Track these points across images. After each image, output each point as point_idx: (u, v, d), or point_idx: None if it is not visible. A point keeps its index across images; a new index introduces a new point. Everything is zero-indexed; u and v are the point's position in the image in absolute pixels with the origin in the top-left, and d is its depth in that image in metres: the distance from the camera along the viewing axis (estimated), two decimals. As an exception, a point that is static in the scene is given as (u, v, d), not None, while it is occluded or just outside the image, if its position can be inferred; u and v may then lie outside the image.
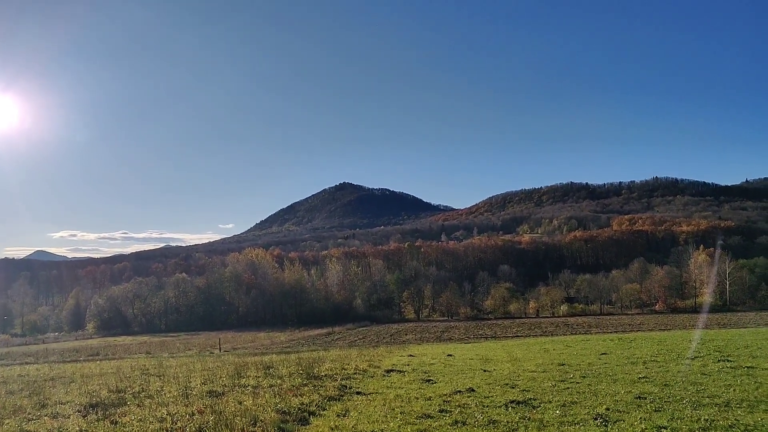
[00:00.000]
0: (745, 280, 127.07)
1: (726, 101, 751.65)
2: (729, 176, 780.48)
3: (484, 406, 12.88)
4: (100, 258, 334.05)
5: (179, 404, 13.47)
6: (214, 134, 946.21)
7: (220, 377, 18.88)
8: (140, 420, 11.84)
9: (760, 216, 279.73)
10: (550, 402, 13.04)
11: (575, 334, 58.32)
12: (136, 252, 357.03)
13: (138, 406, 13.60)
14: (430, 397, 14.16)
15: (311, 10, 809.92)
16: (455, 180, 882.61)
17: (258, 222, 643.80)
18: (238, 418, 11.43)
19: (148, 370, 24.12)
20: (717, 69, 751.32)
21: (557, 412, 11.98)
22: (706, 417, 11.02)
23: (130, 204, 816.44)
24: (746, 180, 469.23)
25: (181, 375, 20.46)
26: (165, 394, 15.28)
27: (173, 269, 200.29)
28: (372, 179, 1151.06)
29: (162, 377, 20.05)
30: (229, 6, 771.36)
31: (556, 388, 15.09)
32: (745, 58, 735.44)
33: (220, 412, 11.99)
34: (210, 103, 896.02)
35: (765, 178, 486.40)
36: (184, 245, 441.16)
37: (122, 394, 15.42)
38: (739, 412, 11.44)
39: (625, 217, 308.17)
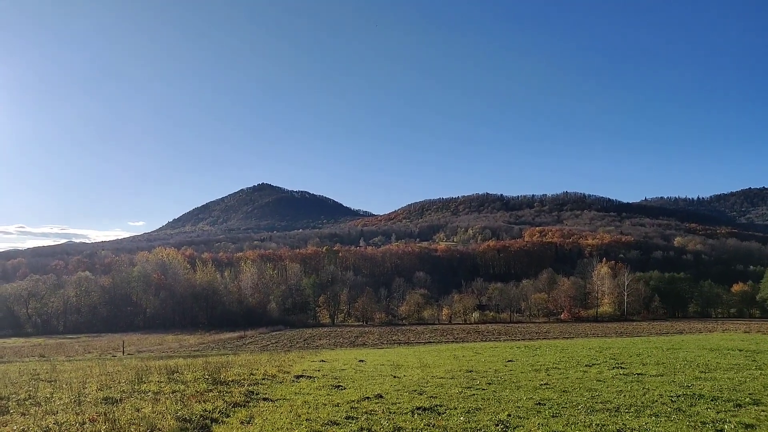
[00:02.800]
0: (641, 292, 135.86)
1: (629, 126, 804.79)
2: (630, 194, 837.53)
3: (390, 412, 12.93)
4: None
5: (69, 412, 12.60)
6: (126, 126, 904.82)
7: (119, 382, 17.92)
8: (23, 430, 10.98)
9: (655, 232, 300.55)
10: (456, 408, 13.28)
11: (485, 341, 59.92)
12: (34, 248, 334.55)
13: (22, 414, 12.60)
14: (338, 403, 14.07)
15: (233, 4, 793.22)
16: (375, 186, 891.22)
17: (170, 220, 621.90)
18: (134, 426, 10.87)
19: (38, 374, 22.47)
20: (619, 99, 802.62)
21: (461, 418, 12.22)
22: (598, 422, 11.63)
23: (28, 196, 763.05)
24: (645, 198, 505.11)
25: (75, 380, 19.20)
26: (55, 401, 14.26)
27: (75, 267, 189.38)
28: (292, 181, 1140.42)
29: (54, 383, 18.71)
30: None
31: (462, 394, 15.40)
32: (645, 92, 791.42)
33: (115, 420, 11.34)
34: (122, 93, 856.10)
35: (661, 198, 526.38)
36: (88, 242, 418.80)
37: (5, 402, 14.21)
38: (627, 417, 12.14)
39: (537, 228, 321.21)
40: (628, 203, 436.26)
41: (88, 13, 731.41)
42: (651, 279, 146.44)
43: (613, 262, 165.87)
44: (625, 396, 14.65)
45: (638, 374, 19.14)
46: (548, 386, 16.65)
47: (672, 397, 14.40)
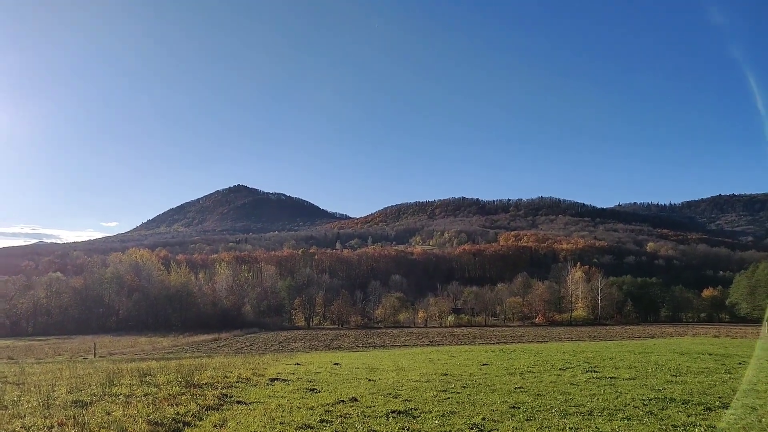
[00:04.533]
0: (614, 296, 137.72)
1: (604, 133, 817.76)
2: (604, 200, 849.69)
3: (365, 416, 12.93)
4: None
5: (38, 416, 12.32)
6: (99, 125, 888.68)
7: (90, 385, 17.59)
8: (-12, 434, 10.77)
9: (628, 237, 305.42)
10: (431, 412, 13.33)
11: (460, 344, 60.20)
12: (4, 248, 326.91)
13: (-12, 418, 12.31)
14: (313, 407, 14.01)
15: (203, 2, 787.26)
16: (352, 189, 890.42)
17: (144, 221, 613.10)
18: (104, 430, 10.70)
19: (6, 377, 21.94)
20: (593, 104, 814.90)
21: (436, 422, 12.27)
22: (571, 425, 11.78)
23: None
24: (618, 204, 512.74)
25: (44, 383, 18.79)
26: (23, 404, 13.92)
27: (46, 268, 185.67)
28: (268, 183, 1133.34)
29: (22, 386, 18.27)
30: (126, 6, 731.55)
31: (437, 398, 15.46)
32: (618, 97, 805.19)
33: (84, 424, 11.15)
34: (97, 88, 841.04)
35: (634, 203, 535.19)
36: (60, 243, 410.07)
37: (-29, 406, 13.91)
38: (600, 420, 12.31)
39: (512, 233, 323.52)
40: (602, 208, 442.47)
41: (62, 9, 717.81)
42: (624, 284, 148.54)
43: (587, 266, 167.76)
44: (598, 399, 14.86)
45: (611, 378, 19.44)
46: (523, 390, 16.81)
47: (644, 400, 14.65)
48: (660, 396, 15.26)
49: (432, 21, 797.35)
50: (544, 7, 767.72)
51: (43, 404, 13.80)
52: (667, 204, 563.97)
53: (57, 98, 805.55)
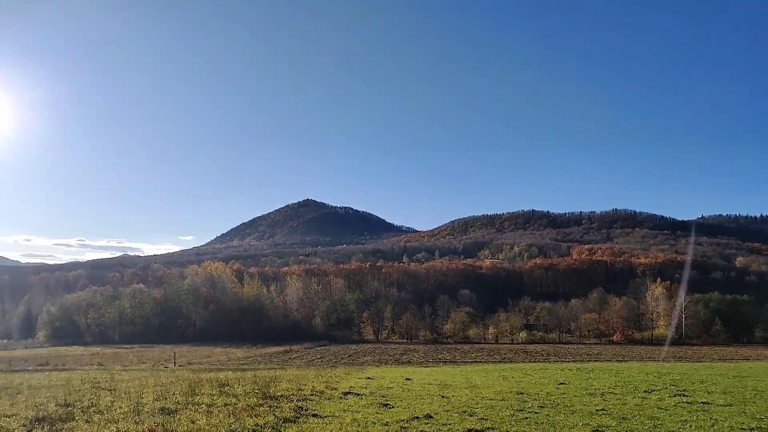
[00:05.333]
0: (700, 314, 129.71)
1: (684, 140, 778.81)
2: (685, 212, 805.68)
3: (442, 433, 12.75)
4: (55, 265, 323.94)
5: (129, 421, 12.93)
6: (175, 144, 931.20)
7: (174, 394, 18.27)
8: (87, 438, 11.34)
9: (714, 251, 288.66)
10: (509, 432, 13.00)
11: (534, 361, 58.72)
12: (93, 260, 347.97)
13: (86, 422, 13.00)
14: (387, 422, 13.95)
15: (278, 23, 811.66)
16: (419, 202, 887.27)
17: (219, 235, 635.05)
18: (190, 438, 11.03)
19: (99, 383, 23.20)
20: (674, 110, 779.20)
21: (516, 442, 11.94)
22: (663, 453, 11.10)
23: (88, 211, 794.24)
24: (702, 216, 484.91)
25: (133, 390, 19.73)
26: (115, 409, 14.66)
27: (130, 279, 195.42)
28: (336, 197, 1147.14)
29: (113, 391, 19.27)
30: (191, 13, 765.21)
31: (514, 417, 15.07)
32: (702, 104, 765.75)
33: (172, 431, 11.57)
34: (173, 111, 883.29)
35: (719, 215, 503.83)
36: (142, 255, 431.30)
37: (71, 409, 14.72)
38: (695, 449, 11.56)
39: (585, 246, 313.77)
40: (683, 221, 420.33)
41: (148, 32, 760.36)
42: (711, 301, 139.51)
43: (668, 282, 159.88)
44: (691, 427, 13.95)
45: (703, 403, 18.27)
46: (605, 412, 16.09)
47: (744, 430, 13.62)
48: (763, 426, 14.09)
49: (496, 27, 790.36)
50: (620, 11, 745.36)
51: (133, 410, 14.47)
52: (758, 216, 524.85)
53: (139, 123, 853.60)
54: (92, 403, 15.94)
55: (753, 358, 69.52)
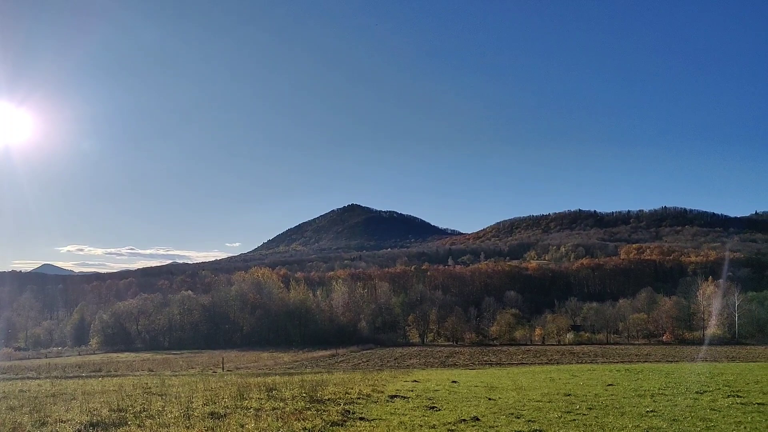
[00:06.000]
0: (755, 313, 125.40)
1: (735, 133, 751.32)
2: (737, 208, 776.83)
3: (489, 436, 12.70)
4: (107, 273, 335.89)
5: (180, 425, 13.29)
6: (223, 152, 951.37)
7: (223, 398, 18.68)
8: (141, 441, 11.72)
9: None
10: (557, 434, 12.85)
11: (581, 363, 57.63)
12: (143, 268, 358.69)
13: (139, 426, 13.42)
14: (434, 425, 13.96)
15: (323, 29, 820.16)
16: (463, 204, 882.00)
17: (265, 241, 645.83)
18: (240, 442, 11.28)
19: (150, 388, 23.89)
20: (726, 102, 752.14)
21: (563, 445, 11.79)
22: (716, 455, 10.80)
23: (137, 220, 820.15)
24: (755, 212, 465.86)
25: (183, 394, 20.25)
26: (166, 414, 15.07)
27: (179, 286, 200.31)
28: (380, 201, 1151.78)
29: (164, 396, 19.82)
30: (239, 23, 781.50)
31: (562, 419, 14.87)
32: (752, 98, 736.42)
33: (222, 436, 11.85)
34: (220, 120, 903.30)
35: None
36: (190, 263, 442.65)
37: (123, 414, 15.20)
38: (750, 452, 11.21)
39: (633, 245, 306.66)
40: (735, 217, 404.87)
41: (196, 44, 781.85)
42: (766, 299, 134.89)
43: (720, 280, 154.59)
44: (745, 428, 13.52)
45: (759, 404, 17.59)
46: (655, 414, 15.72)
47: (800, 430, 13.16)
48: (820, 426, 13.64)
49: (537, 43, 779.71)
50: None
51: (183, 414, 14.85)
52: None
53: (185, 134, 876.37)
54: (144, 407, 16.44)
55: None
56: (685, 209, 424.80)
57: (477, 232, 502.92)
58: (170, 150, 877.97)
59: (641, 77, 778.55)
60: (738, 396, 19.69)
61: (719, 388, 22.47)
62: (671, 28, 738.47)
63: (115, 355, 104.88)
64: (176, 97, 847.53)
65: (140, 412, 15.65)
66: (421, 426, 13.82)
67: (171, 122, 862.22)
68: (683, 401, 18.58)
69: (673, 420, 14.65)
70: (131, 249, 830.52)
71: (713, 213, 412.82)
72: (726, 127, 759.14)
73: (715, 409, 16.53)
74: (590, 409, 16.75)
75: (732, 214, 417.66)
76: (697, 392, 21.23)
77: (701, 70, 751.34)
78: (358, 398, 19.19)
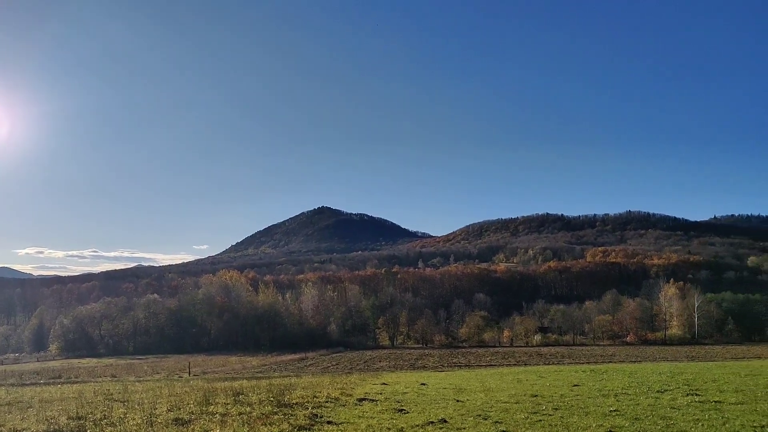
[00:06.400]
0: (713, 314, 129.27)
1: (696, 141, 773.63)
2: (698, 212, 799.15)
3: (455, 438, 12.76)
4: (68, 276, 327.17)
5: (143, 432, 13.05)
6: (190, 153, 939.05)
7: (188, 404, 18.36)
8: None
9: (727, 251, 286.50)
10: (522, 435, 12.98)
11: (548, 364, 58.41)
12: (107, 271, 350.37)
13: (99, 434, 13.14)
14: (402, 428, 13.98)
15: (293, 30, 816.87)
16: (434, 207, 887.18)
17: (233, 244, 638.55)
18: (204, 447, 11.10)
19: (112, 395, 23.32)
20: (686, 111, 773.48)
21: (529, 445, 11.92)
22: (676, 453, 11.06)
23: (101, 222, 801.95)
24: (714, 216, 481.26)
25: (146, 401, 19.83)
26: (128, 421, 14.73)
27: (144, 290, 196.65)
28: (351, 204, 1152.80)
29: (126, 403, 19.37)
30: (206, 22, 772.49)
31: (528, 420, 15.04)
32: (715, 106, 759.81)
33: (185, 442, 11.64)
34: (185, 121, 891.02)
35: (731, 216, 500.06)
36: (156, 266, 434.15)
37: (82, 422, 14.74)
38: (707, 448, 11.51)
39: (599, 248, 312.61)
40: (695, 222, 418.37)
41: (157, 43, 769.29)
42: (723, 300, 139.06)
43: (681, 282, 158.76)
44: (702, 425, 13.89)
45: (716, 402, 18.14)
46: (618, 413, 16.03)
47: (756, 427, 13.55)
48: (774, 423, 14.09)
49: (505, 30, 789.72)
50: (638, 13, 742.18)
51: (146, 421, 14.53)
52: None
53: (152, 134, 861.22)
54: (105, 415, 16.00)
55: (765, 356, 68.99)
56: (648, 213, 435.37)
57: (447, 235, 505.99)
58: (134, 150, 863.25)
59: (608, 83, 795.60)
60: (696, 394, 20.25)
61: (679, 387, 23.06)
62: (637, 34, 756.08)
63: (76, 361, 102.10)
64: (140, 97, 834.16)
65: (100, 419, 15.23)
66: (389, 429, 13.81)
67: (135, 122, 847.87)
68: (645, 400, 18.99)
69: (635, 419, 14.97)
70: (94, 251, 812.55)
71: (675, 217, 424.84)
72: (687, 135, 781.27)
73: (675, 408, 16.95)
74: (556, 409, 16.99)
75: (693, 219, 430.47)
76: (658, 391, 21.74)
77: (665, 77, 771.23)
78: (327, 402, 19.11)
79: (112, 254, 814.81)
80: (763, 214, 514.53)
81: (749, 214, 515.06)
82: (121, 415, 15.88)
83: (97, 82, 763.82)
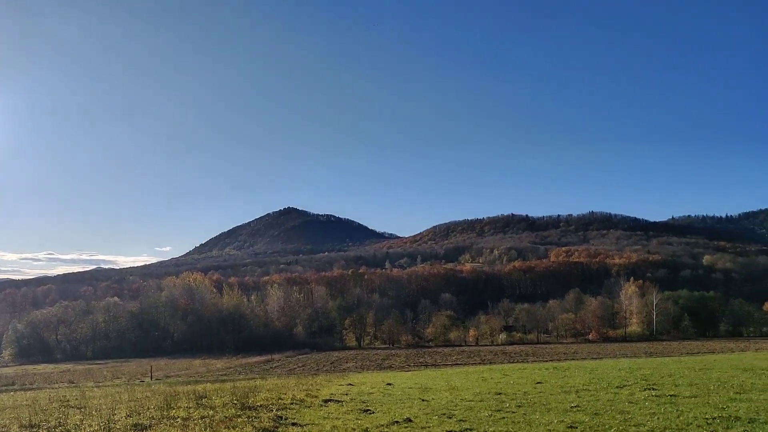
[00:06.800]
0: (670, 311, 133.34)
1: (654, 143, 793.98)
2: (657, 213, 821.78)
3: (420, 437, 12.83)
4: (21, 280, 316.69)
5: (100, 439, 12.72)
6: (150, 152, 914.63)
7: (148, 408, 17.98)
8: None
9: (683, 251, 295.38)
10: (486, 432, 13.12)
11: (513, 362, 59.16)
12: (63, 274, 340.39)
13: (53, 442, 12.76)
14: (367, 428, 13.97)
15: (253, 24, 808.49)
16: (401, 208, 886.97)
17: (197, 245, 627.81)
18: (164, 452, 10.91)
19: (68, 401, 22.65)
20: (644, 113, 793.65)
21: (491, 442, 12.06)
22: (633, 446, 11.35)
23: (56, 223, 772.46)
24: (672, 217, 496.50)
25: (104, 407, 19.31)
26: (84, 428, 14.29)
27: (104, 293, 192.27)
28: (318, 205, 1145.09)
29: (83, 409, 18.82)
30: (157, 17, 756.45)
31: (492, 417, 15.20)
32: (671, 110, 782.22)
33: (144, 447, 11.41)
34: (148, 118, 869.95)
35: (688, 216, 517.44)
36: (116, 268, 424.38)
37: (36, 429, 14.26)
38: (662, 441, 11.85)
39: (563, 248, 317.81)
40: (654, 222, 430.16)
41: (117, 36, 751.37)
42: (680, 298, 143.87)
43: (640, 281, 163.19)
44: (658, 419, 14.28)
45: (671, 396, 18.68)
46: (579, 409, 16.35)
47: (707, 419, 14.00)
48: (724, 415, 14.55)
49: (480, 35, 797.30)
50: (591, 16, 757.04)
51: (104, 428, 14.16)
52: (724, 216, 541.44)
53: (109, 129, 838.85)
54: (60, 422, 15.50)
55: (718, 351, 71.33)
56: (610, 214, 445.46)
57: (414, 236, 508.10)
58: (92, 148, 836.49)
59: (569, 85, 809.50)
60: (653, 389, 20.84)
61: (637, 382, 23.69)
62: (587, 34, 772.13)
63: (31, 367, 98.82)
64: (97, 94, 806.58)
65: (55, 427, 14.76)
66: (354, 429, 13.80)
67: (92, 120, 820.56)
68: (605, 396, 19.42)
69: (595, 414, 15.29)
70: (50, 254, 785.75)
71: (635, 218, 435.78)
72: (647, 138, 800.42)
73: (632, 402, 17.40)
74: (519, 406, 17.22)
75: (652, 219, 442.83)
76: (617, 387, 22.26)
77: (624, 80, 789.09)
78: (292, 403, 18.97)
79: (69, 257, 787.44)
80: (718, 214, 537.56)
81: (705, 214, 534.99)
82: (78, 422, 15.44)
83: (51, 78, 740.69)
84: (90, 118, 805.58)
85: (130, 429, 13.99)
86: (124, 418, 15.93)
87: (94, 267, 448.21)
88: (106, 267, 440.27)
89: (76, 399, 23.68)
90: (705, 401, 17.22)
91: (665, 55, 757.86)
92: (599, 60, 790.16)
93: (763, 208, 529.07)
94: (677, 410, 15.51)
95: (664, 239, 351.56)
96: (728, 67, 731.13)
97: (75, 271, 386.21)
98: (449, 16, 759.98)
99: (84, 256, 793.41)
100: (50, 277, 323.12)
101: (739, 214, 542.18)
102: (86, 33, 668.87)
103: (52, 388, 39.89)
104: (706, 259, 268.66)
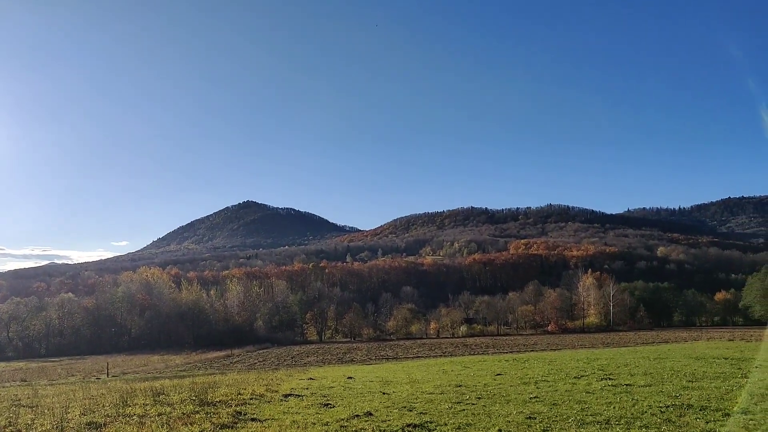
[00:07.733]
0: (627, 302, 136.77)
1: (611, 138, 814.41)
2: (613, 206, 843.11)
3: (380, 430, 12.84)
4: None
5: (52, 438, 12.34)
6: (106, 143, 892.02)
7: (103, 406, 17.56)
8: (4, 458, 10.74)
9: (639, 243, 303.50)
10: (446, 425, 13.21)
11: (473, 354, 59.78)
12: (14, 270, 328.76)
13: (3, 442, 12.32)
14: (328, 422, 13.93)
15: (217, 20, 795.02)
16: (362, 202, 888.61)
17: (155, 240, 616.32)
18: (119, 451, 10.64)
19: (20, 400, 21.96)
20: (601, 109, 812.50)
21: (452, 434, 12.14)
22: (589, 435, 11.60)
23: (6, 217, 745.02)
24: (628, 209, 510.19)
25: (57, 405, 18.75)
26: (36, 427, 13.90)
27: (58, 289, 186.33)
28: (278, 198, 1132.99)
29: (35, 408, 18.26)
30: (120, 9, 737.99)
31: (452, 410, 15.33)
32: (624, 103, 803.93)
33: (99, 446, 11.11)
34: (103, 110, 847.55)
35: (643, 209, 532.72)
36: (71, 263, 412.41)
37: (-15, 430, 13.91)
38: (617, 429, 12.16)
39: (522, 241, 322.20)
40: (611, 214, 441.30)
41: (68, 31, 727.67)
42: (636, 289, 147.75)
43: (598, 273, 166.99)
44: (614, 408, 14.66)
45: (627, 385, 19.21)
46: (538, 399, 16.64)
47: (661, 407, 14.44)
48: (677, 402, 15.04)
49: (435, 33, 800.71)
50: (545, 20, 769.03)
51: (56, 427, 13.79)
52: (677, 208, 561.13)
53: (64, 120, 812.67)
54: (10, 422, 15.04)
55: (672, 340, 73.51)
56: (568, 207, 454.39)
57: (375, 229, 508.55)
58: (45, 139, 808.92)
59: (530, 82, 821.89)
60: (610, 379, 21.41)
61: (594, 373, 24.27)
62: (555, 32, 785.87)
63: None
64: (50, 85, 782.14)
65: (5, 426, 14.32)
66: (314, 424, 13.73)
67: (43, 112, 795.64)
68: (563, 386, 19.82)
69: (553, 404, 15.60)
70: (0, 249, 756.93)
71: (593, 210, 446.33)
72: (603, 133, 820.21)
73: (590, 392, 17.81)
74: (479, 398, 17.42)
75: (608, 212, 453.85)
76: (575, 377, 22.76)
77: (583, 77, 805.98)
78: (251, 399, 18.79)
79: (21, 252, 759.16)
80: (671, 207, 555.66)
81: (659, 207, 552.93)
82: (29, 421, 14.98)
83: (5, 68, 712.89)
84: (41, 110, 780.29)
85: (84, 428, 13.63)
86: (78, 416, 15.52)
87: (47, 262, 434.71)
88: (60, 262, 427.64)
89: (28, 398, 22.98)
90: (659, 390, 17.77)
91: (623, 52, 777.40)
92: (556, 55, 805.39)
93: (714, 200, 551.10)
94: (632, 399, 15.96)
95: (621, 231, 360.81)
96: (681, 67, 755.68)
97: (27, 266, 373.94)
98: (399, 16, 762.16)
99: (36, 252, 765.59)
100: (1, 273, 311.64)
101: (691, 207, 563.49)
102: (47, 25, 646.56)
103: (3, 387, 38.53)
104: (661, 250, 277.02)
